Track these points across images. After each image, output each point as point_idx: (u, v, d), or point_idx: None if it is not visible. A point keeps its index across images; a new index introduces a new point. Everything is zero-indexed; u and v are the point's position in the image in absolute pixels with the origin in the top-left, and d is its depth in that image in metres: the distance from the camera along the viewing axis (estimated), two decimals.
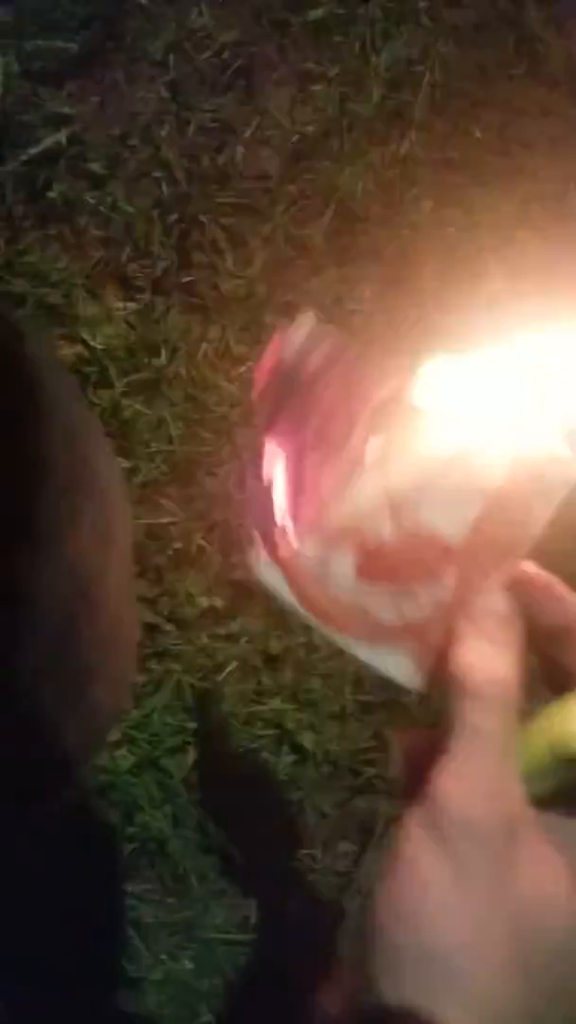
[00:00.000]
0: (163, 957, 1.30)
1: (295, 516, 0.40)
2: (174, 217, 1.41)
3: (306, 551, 0.39)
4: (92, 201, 1.39)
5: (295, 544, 0.39)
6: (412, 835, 0.36)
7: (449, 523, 0.38)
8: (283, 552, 0.40)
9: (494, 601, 0.38)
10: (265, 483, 0.40)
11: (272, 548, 0.40)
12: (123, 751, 1.30)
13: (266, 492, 0.40)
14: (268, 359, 0.41)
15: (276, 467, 0.40)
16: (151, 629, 1.33)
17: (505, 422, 0.39)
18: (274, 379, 0.41)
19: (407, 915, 0.35)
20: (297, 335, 0.41)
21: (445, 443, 0.39)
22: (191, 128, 1.44)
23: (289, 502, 0.40)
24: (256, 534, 0.40)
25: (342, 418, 0.40)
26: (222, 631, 1.36)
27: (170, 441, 1.37)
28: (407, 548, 0.38)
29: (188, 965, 1.31)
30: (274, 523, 0.39)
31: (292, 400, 0.41)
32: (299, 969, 1.35)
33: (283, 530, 0.40)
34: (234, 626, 1.36)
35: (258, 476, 0.40)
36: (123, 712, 0.33)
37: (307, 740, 1.36)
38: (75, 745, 0.32)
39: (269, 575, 0.40)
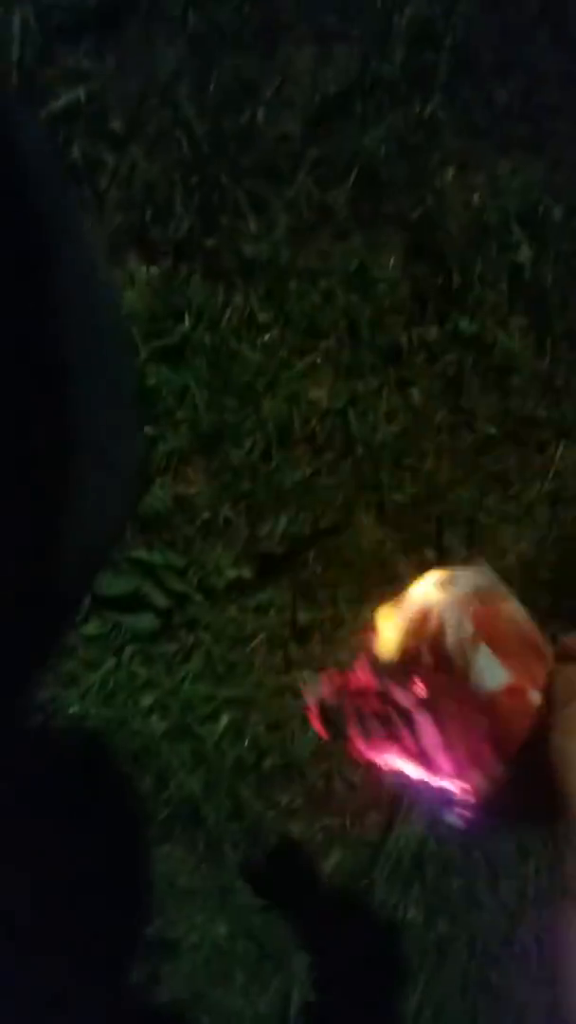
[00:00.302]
0: (198, 921, 1.32)
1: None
2: (195, 179, 1.38)
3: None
4: (112, 162, 1.35)
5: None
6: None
7: None
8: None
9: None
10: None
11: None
12: (155, 717, 1.30)
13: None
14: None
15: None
16: (180, 599, 1.33)
17: None
18: None
19: None
20: None
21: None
22: (211, 87, 1.41)
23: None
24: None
25: None
26: (251, 602, 1.36)
27: (195, 409, 1.36)
28: None
29: (222, 929, 1.33)
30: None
31: None
32: (330, 937, 1.38)
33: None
34: (262, 597, 1.36)
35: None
36: (128, 501, 0.34)
37: None
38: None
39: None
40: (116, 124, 1.37)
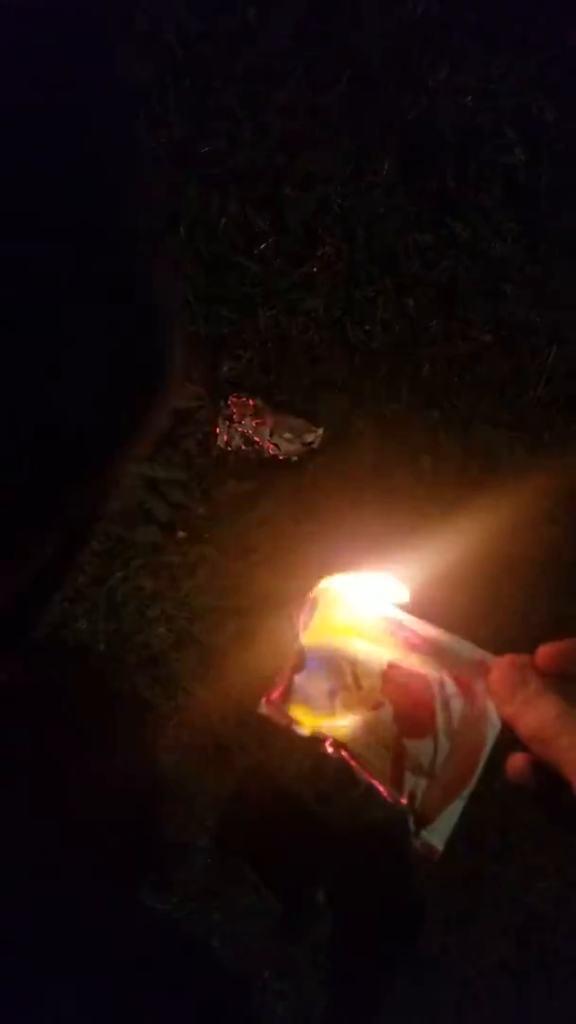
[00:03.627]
0: (208, 824, 1.42)
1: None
2: (187, 83, 1.41)
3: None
4: None
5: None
6: None
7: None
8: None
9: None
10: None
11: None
12: (162, 629, 1.38)
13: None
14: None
15: None
16: (183, 511, 1.40)
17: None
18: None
19: None
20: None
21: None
22: None
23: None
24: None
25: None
26: (253, 514, 1.43)
27: (193, 321, 1.41)
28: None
29: (231, 831, 1.43)
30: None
31: None
32: (336, 835, 1.49)
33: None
34: (265, 509, 1.44)
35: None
36: (173, 389, 0.36)
37: None
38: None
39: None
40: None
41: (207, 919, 1.48)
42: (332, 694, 0.60)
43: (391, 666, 0.60)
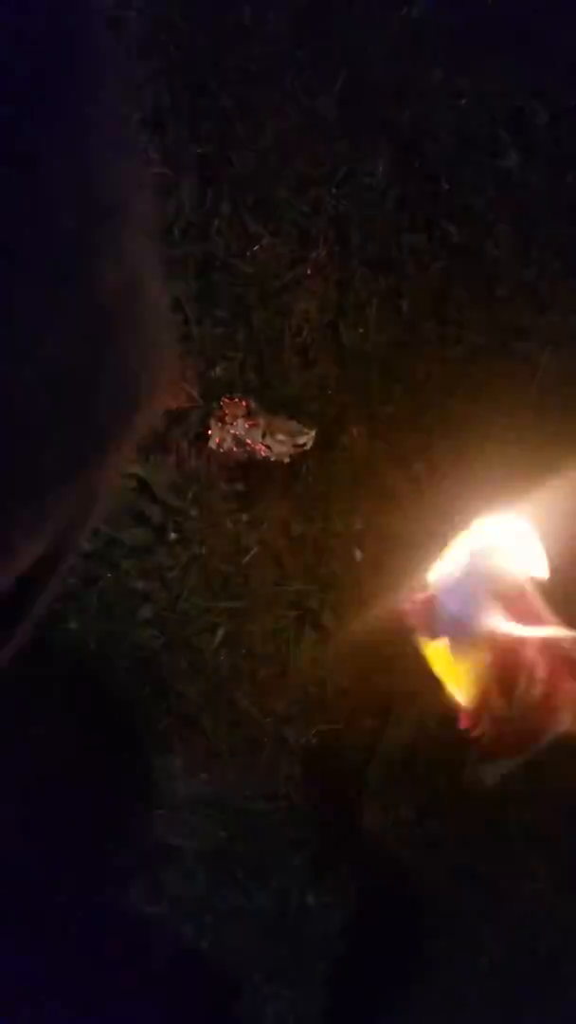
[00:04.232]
0: (197, 827, 1.41)
1: None
2: (181, 84, 1.39)
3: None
4: None
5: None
6: None
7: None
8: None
9: None
10: None
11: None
12: (153, 631, 1.37)
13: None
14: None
15: None
16: (175, 512, 1.39)
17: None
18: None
19: None
20: None
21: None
22: None
23: None
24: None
25: None
26: (245, 516, 1.42)
27: (185, 323, 1.40)
28: None
29: (221, 833, 1.42)
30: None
31: None
32: (326, 837, 1.48)
33: None
34: (257, 511, 1.42)
35: None
36: (160, 395, 0.33)
37: (329, 620, 1.44)
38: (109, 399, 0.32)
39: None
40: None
41: (197, 921, 1.47)
42: (454, 626, 0.65)
43: (505, 625, 0.65)
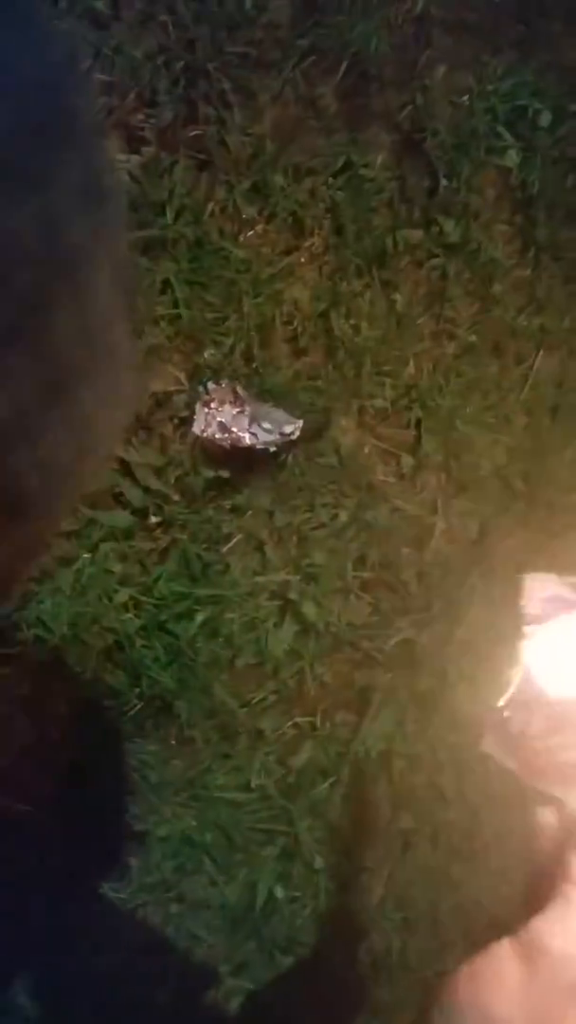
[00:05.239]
0: (167, 814, 1.36)
1: None
2: (180, 65, 1.36)
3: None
4: (94, 42, 1.32)
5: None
6: (504, 955, 0.43)
7: None
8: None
9: None
10: None
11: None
12: (129, 615, 1.33)
13: None
14: None
15: None
16: (157, 496, 1.35)
17: None
18: None
19: (480, 1007, 0.43)
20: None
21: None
22: None
23: None
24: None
25: None
26: (228, 503, 1.38)
27: (175, 305, 1.36)
28: None
29: (191, 822, 1.37)
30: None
31: None
32: (298, 830, 1.43)
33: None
34: (240, 499, 1.38)
35: None
36: (118, 434, 0.32)
37: (310, 612, 1.40)
38: (59, 448, 0.30)
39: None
40: (100, 3, 1.34)
41: (164, 910, 1.42)
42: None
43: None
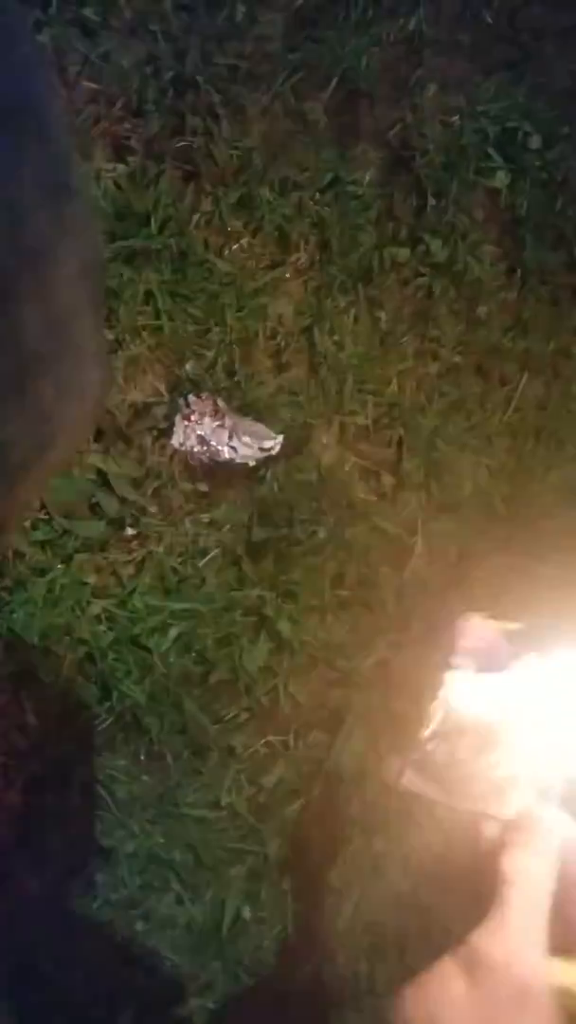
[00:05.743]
0: (135, 830, 1.33)
1: None
2: (169, 75, 1.34)
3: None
4: (83, 50, 1.30)
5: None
6: (448, 969, 0.43)
7: None
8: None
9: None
10: None
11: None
12: (102, 627, 1.30)
13: None
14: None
15: None
16: (133, 508, 1.32)
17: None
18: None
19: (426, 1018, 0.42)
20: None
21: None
22: None
23: None
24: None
25: None
26: (205, 517, 1.35)
27: (157, 316, 1.34)
28: None
29: (159, 839, 1.34)
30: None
31: None
32: (267, 850, 1.40)
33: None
34: (218, 513, 1.36)
35: None
36: (82, 427, 0.32)
37: (286, 629, 1.37)
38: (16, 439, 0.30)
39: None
40: (89, 11, 1.32)
41: (129, 927, 1.38)
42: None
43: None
